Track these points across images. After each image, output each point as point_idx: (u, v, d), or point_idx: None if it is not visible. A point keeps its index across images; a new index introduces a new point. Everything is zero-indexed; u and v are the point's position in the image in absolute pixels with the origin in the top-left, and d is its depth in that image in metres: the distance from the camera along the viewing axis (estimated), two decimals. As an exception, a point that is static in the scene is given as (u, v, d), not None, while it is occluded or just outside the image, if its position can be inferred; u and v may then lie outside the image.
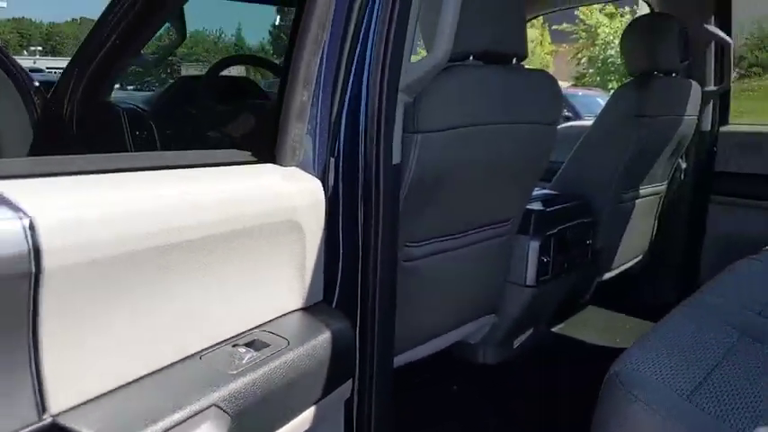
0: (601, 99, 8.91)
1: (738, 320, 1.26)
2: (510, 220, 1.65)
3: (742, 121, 2.75)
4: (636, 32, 2.12)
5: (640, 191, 2.21)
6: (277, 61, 2.84)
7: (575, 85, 14.04)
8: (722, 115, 2.45)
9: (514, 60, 1.41)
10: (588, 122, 2.17)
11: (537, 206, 1.85)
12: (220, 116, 2.13)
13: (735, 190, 2.38)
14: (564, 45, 14.46)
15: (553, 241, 1.81)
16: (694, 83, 2.20)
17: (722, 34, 2.33)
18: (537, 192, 2.06)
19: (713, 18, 2.33)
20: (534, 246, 1.76)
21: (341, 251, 0.89)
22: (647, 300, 2.56)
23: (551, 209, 1.86)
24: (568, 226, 1.89)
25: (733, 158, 2.39)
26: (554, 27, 14.42)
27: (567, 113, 9.55)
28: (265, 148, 0.85)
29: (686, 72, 2.36)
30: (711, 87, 2.38)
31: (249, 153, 0.86)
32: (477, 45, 1.29)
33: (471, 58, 1.31)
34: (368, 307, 0.93)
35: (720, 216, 2.42)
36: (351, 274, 0.90)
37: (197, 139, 2.09)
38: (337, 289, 0.90)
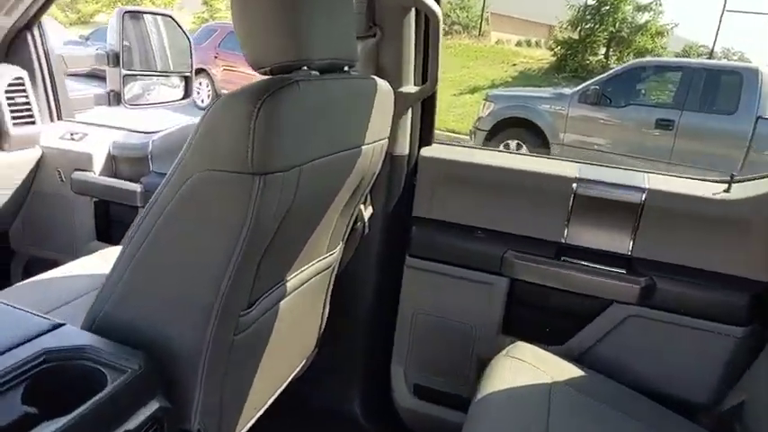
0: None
1: None
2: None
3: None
4: None
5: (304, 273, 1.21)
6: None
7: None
8: (425, 132, 1.57)
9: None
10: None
11: None
12: None
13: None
14: None
15: None
16: (382, 82, 1.21)
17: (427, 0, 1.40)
18: None
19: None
20: None
21: None
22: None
23: None
24: None
25: (435, 199, 1.55)
26: None
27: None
28: None
29: (371, 60, 1.39)
30: (410, 88, 1.46)
31: None
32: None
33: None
34: None
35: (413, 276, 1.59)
36: None
37: None
38: None
